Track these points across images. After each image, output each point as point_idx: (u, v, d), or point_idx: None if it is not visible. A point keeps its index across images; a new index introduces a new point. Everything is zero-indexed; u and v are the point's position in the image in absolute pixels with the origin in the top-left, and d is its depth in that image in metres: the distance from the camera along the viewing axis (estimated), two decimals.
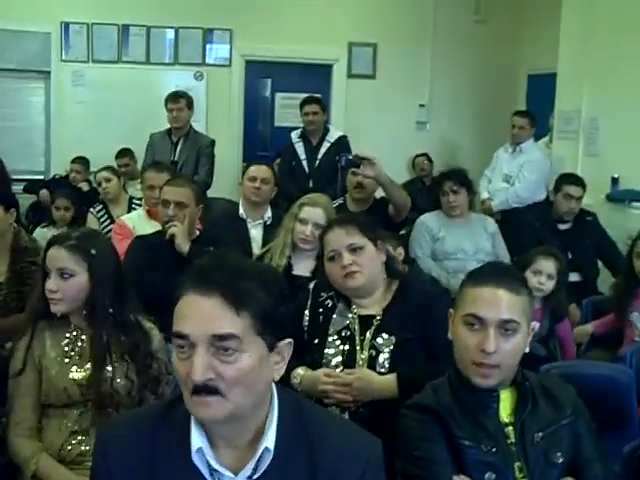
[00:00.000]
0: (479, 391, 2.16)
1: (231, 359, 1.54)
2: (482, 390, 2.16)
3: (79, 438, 2.59)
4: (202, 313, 1.55)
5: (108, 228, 5.45)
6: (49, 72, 8.11)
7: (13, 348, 2.73)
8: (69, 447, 2.58)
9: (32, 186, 7.37)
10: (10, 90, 8.15)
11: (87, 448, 2.55)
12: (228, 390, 1.55)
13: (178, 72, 8.31)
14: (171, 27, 8.29)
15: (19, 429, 2.60)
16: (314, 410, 1.78)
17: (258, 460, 1.61)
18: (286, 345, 1.66)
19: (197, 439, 1.61)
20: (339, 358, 2.79)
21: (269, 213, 4.77)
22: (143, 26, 8.23)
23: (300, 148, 6.42)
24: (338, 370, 2.76)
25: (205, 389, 1.54)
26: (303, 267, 3.88)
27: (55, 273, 2.61)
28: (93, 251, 2.65)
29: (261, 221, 4.75)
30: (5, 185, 5.35)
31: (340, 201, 5.01)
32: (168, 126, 6.51)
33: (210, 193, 6.24)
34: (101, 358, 2.60)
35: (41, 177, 7.95)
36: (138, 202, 5.53)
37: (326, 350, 2.81)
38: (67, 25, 8.06)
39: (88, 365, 2.62)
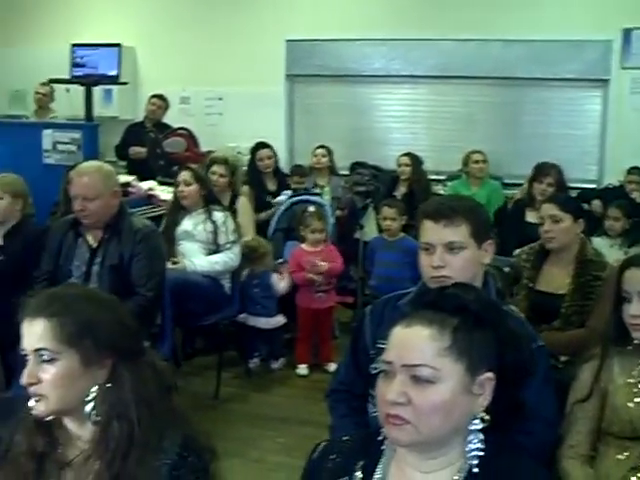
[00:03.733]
0: None
1: None
2: None
3: (639, 475, 2.34)
4: None
5: None
6: (607, 80, 7.91)
7: (577, 371, 2.58)
8: None
9: (584, 195, 7.26)
10: (567, 99, 8.11)
11: None
12: None
13: None
14: None
15: (572, 452, 2.45)
16: None
17: None
18: None
19: None
20: None
21: None
22: None
23: None
24: None
25: None
26: None
27: (637, 297, 2.42)
28: None
29: None
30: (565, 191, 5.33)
31: None
32: None
33: None
34: None
35: (593, 186, 7.81)
36: None
37: None
38: (629, 31, 7.78)
39: None
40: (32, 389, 1.71)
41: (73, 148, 6.02)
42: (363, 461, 1.65)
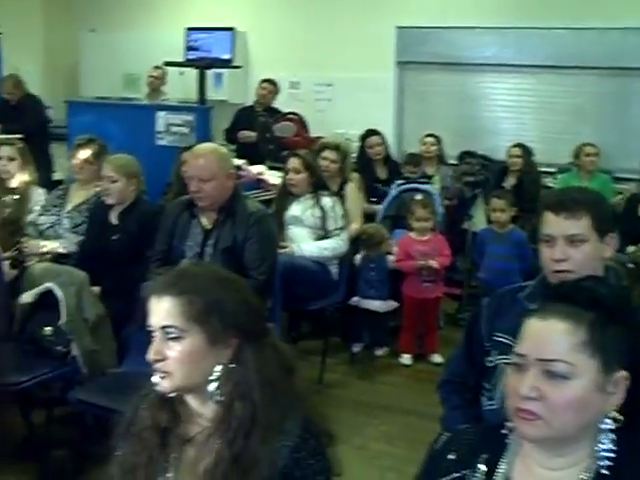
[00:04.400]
0: None
1: None
2: None
3: None
4: None
5: None
6: None
7: None
8: None
9: None
10: None
11: None
12: None
13: None
14: None
15: None
16: None
17: None
18: None
19: None
20: None
21: None
22: None
23: None
24: None
25: None
26: None
27: None
28: None
29: None
30: None
31: None
32: None
33: None
34: None
35: None
36: None
37: None
38: None
39: None
40: (158, 366, 1.73)
41: (186, 130, 6.11)
42: (486, 454, 1.62)
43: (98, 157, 5.05)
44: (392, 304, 5.48)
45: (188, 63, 6.86)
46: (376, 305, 5.39)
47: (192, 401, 1.79)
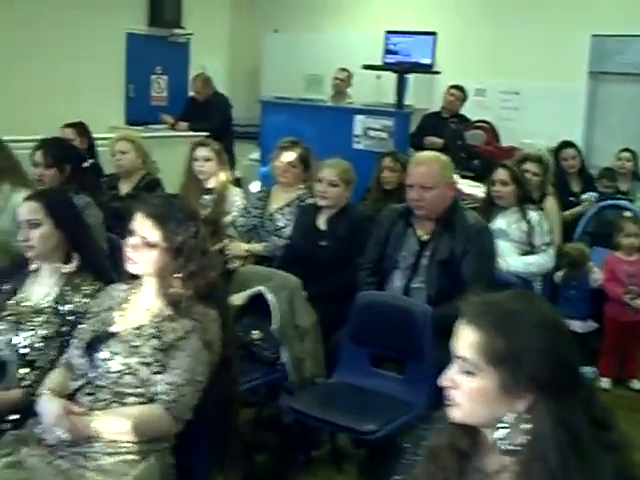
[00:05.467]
0: None
1: None
2: None
3: None
4: None
5: None
6: None
7: None
8: None
9: None
10: None
11: None
12: None
13: None
14: None
15: None
16: None
17: None
18: None
19: None
20: None
21: None
22: None
23: None
24: None
25: None
26: None
27: None
28: None
29: None
30: None
31: None
32: None
33: None
34: None
35: None
36: None
37: None
38: None
39: None
40: (448, 392, 1.67)
41: (384, 135, 6.03)
42: None
43: (302, 161, 5.04)
44: (592, 325, 5.28)
45: (387, 67, 6.76)
46: (576, 325, 5.18)
47: (490, 435, 1.70)
